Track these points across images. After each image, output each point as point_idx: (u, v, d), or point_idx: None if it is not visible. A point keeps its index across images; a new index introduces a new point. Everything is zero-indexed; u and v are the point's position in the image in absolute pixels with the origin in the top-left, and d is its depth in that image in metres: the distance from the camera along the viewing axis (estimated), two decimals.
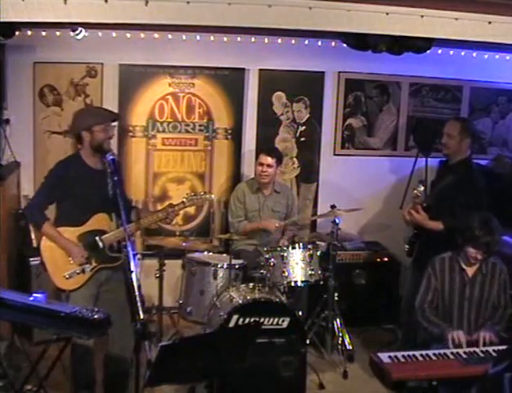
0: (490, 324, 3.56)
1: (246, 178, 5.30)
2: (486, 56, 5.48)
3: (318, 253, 4.40)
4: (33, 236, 4.81)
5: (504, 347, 3.31)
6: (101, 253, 3.58)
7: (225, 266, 4.31)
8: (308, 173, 5.65)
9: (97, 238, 3.58)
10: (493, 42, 4.58)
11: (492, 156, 5.80)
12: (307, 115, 5.56)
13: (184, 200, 3.84)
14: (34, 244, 4.81)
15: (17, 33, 4.48)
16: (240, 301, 3.97)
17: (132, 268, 3.08)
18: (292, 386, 3.95)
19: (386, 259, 5.42)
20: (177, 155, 5.39)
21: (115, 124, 3.85)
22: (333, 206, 4.71)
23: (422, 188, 4.18)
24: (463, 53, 5.45)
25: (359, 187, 5.64)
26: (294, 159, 5.61)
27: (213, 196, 4.10)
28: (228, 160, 5.47)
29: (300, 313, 4.26)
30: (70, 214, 3.60)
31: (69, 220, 3.59)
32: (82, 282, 3.57)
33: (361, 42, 4.70)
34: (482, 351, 3.31)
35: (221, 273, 4.32)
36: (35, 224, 3.74)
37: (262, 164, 4.80)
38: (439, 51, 5.25)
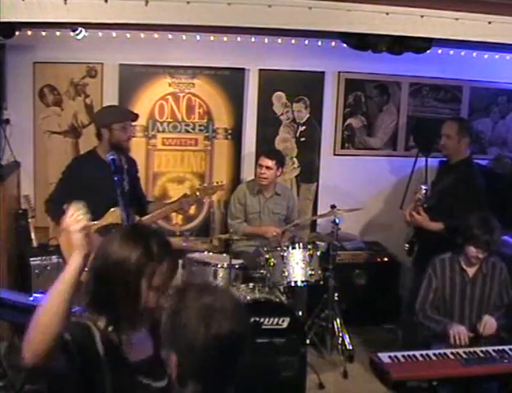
0: (495, 314, 3.56)
1: (246, 179, 5.30)
2: (486, 56, 5.47)
3: (318, 253, 4.40)
4: (33, 236, 4.82)
5: (505, 347, 3.32)
6: None
7: (225, 266, 4.31)
8: (308, 173, 5.65)
9: (114, 231, 3.63)
10: (493, 42, 4.58)
11: (492, 156, 5.79)
12: (307, 115, 5.56)
13: (197, 192, 3.98)
14: (34, 244, 4.81)
15: (17, 33, 4.48)
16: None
17: None
18: (292, 386, 3.94)
19: (386, 259, 5.42)
20: (177, 155, 5.38)
21: (134, 123, 3.93)
22: (333, 206, 4.70)
23: (424, 191, 4.18)
24: (463, 53, 5.45)
25: (359, 187, 5.63)
26: (294, 159, 5.60)
27: (224, 182, 4.29)
28: (228, 160, 5.47)
29: (300, 313, 4.25)
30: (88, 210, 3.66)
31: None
32: None
33: (361, 42, 4.69)
34: (482, 351, 3.31)
35: (221, 273, 4.31)
36: (53, 218, 3.81)
37: (261, 166, 4.77)
38: (439, 51, 5.24)
